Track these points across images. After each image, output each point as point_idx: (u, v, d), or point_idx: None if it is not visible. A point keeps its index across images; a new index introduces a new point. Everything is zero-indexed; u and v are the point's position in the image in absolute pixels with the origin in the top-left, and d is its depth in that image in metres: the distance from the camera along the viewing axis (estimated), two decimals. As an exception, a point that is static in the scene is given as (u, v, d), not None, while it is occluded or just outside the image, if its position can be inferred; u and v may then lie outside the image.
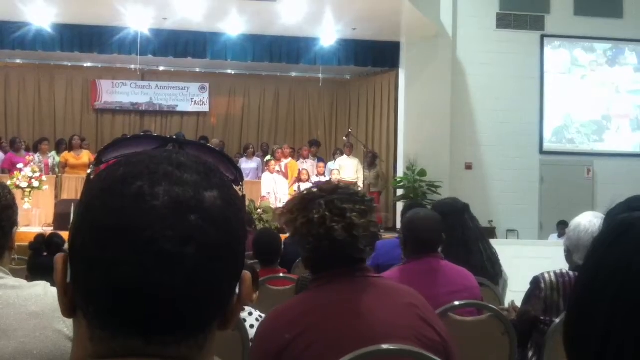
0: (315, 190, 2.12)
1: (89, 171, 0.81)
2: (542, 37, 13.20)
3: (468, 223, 4.01)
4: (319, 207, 2.02)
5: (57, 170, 12.35)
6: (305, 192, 2.14)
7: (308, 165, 12.71)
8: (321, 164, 12.71)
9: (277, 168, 12.26)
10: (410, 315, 2.01)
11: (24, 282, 1.73)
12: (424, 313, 2.04)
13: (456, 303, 3.06)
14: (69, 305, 0.78)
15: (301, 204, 2.07)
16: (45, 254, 3.19)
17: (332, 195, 2.05)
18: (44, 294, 1.67)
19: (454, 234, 3.80)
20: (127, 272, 0.70)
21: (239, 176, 0.88)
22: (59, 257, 0.78)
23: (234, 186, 0.82)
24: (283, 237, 5.11)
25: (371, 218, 2.06)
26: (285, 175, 12.32)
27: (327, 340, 1.93)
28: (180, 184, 0.74)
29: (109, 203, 0.73)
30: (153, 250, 0.71)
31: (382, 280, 2.12)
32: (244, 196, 0.85)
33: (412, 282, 2.95)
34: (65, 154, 12.45)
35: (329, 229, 1.99)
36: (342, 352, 1.87)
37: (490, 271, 3.98)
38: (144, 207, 0.72)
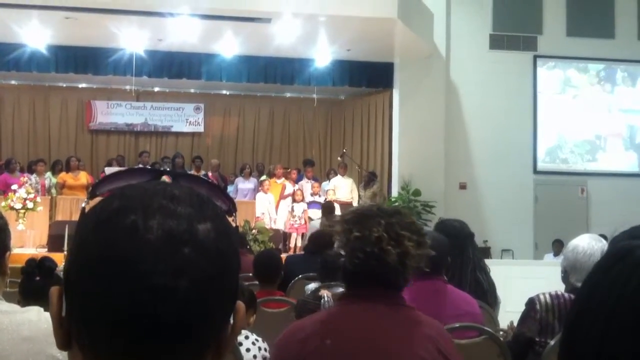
0: (375, 208, 2.13)
1: (83, 204, 0.82)
2: (535, 57, 13.30)
3: (468, 252, 3.98)
4: (378, 226, 2.02)
5: (52, 191, 12.32)
6: (366, 207, 2.16)
7: (308, 185, 12.70)
8: (316, 184, 12.70)
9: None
10: (429, 350, 2.00)
11: (16, 307, 1.72)
12: (444, 349, 2.03)
13: (453, 325, 3.05)
14: (65, 339, 0.78)
15: (359, 218, 2.08)
16: (37, 278, 3.17)
17: (392, 218, 2.06)
18: (37, 319, 1.66)
19: (451, 260, 3.80)
20: (121, 306, 0.71)
21: (232, 206, 0.88)
22: (54, 291, 0.79)
23: (227, 216, 0.83)
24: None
25: (423, 252, 2.07)
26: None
27: (341, 358, 1.94)
28: (174, 217, 0.74)
29: (103, 236, 0.74)
30: (146, 283, 0.71)
31: (411, 310, 2.11)
32: (237, 227, 0.86)
33: (418, 302, 2.96)
34: (63, 174, 12.44)
35: (383, 251, 2.00)
36: None
37: (489, 301, 3.96)
38: (138, 241, 0.72)
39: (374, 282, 2.05)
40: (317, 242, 6.15)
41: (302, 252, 7.39)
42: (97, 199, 0.81)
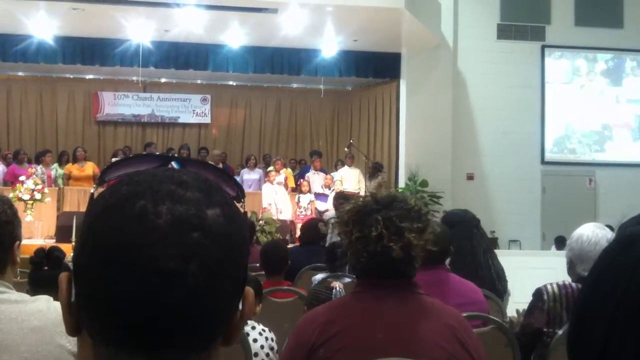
0: (370, 200, 2.11)
1: (92, 190, 0.82)
2: (543, 47, 13.24)
3: (477, 236, 4.00)
4: (377, 223, 2.00)
5: (59, 182, 12.36)
6: (361, 202, 2.12)
7: (318, 177, 12.70)
8: (329, 177, 12.70)
9: (280, 180, 12.25)
10: (448, 337, 1.99)
11: (26, 296, 1.73)
12: (463, 337, 2.01)
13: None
14: (74, 325, 0.78)
15: (357, 216, 2.06)
16: (45, 267, 3.19)
17: (389, 210, 2.03)
18: (46, 309, 1.67)
19: (461, 245, 3.81)
20: (130, 291, 0.71)
21: (240, 193, 0.88)
22: (63, 277, 0.79)
23: (236, 202, 0.82)
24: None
25: (428, 236, 2.05)
26: (286, 187, 12.32)
27: (358, 347, 1.94)
28: (183, 202, 0.74)
29: (112, 222, 0.74)
30: (156, 268, 0.71)
31: (427, 298, 2.11)
32: (245, 212, 0.86)
33: None
34: (69, 165, 12.46)
35: (385, 248, 1.99)
36: None
37: (497, 287, 3.97)
38: (146, 226, 0.72)
39: (384, 275, 2.05)
40: (309, 233, 6.23)
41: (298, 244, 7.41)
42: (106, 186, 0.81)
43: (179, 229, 0.72)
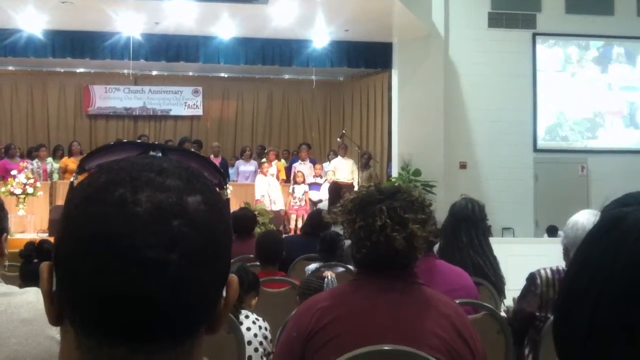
0: (374, 190, 2.10)
1: (71, 179, 0.81)
2: (534, 35, 13.23)
3: (460, 235, 3.98)
4: (380, 213, 2.00)
5: (54, 176, 12.39)
6: (364, 191, 2.12)
7: (305, 167, 12.72)
8: (319, 166, 12.73)
9: (272, 171, 12.28)
10: (446, 327, 2.00)
11: (15, 288, 1.72)
12: (459, 327, 2.02)
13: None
14: (56, 314, 0.77)
15: (360, 205, 2.06)
16: (36, 260, 3.19)
17: (393, 201, 2.04)
18: (36, 301, 1.66)
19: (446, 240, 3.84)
20: (111, 281, 0.70)
21: (223, 180, 0.87)
22: (44, 266, 0.78)
23: (218, 190, 0.81)
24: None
25: (431, 228, 2.06)
26: (278, 179, 12.36)
27: (356, 335, 1.96)
28: (163, 190, 0.73)
29: (91, 211, 0.72)
30: (137, 258, 0.70)
31: (426, 288, 2.11)
32: (228, 200, 0.85)
33: None
34: (66, 159, 12.53)
35: (389, 238, 1.99)
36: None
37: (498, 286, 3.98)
38: (126, 214, 0.71)
39: (384, 265, 2.05)
40: (315, 223, 6.17)
41: (300, 234, 7.40)
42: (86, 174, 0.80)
43: (159, 217, 0.71)
